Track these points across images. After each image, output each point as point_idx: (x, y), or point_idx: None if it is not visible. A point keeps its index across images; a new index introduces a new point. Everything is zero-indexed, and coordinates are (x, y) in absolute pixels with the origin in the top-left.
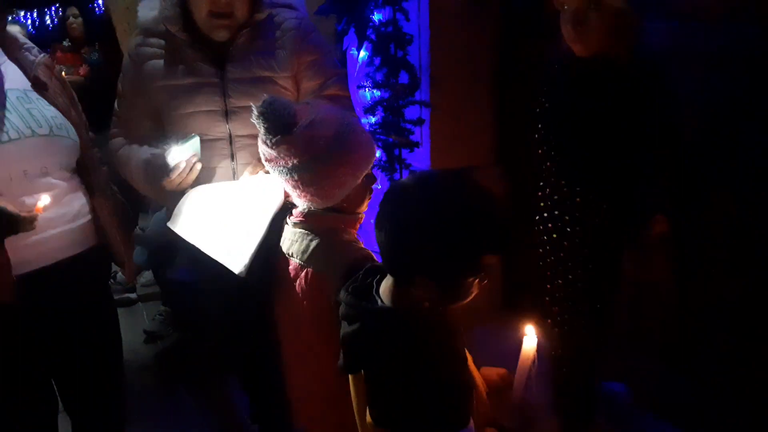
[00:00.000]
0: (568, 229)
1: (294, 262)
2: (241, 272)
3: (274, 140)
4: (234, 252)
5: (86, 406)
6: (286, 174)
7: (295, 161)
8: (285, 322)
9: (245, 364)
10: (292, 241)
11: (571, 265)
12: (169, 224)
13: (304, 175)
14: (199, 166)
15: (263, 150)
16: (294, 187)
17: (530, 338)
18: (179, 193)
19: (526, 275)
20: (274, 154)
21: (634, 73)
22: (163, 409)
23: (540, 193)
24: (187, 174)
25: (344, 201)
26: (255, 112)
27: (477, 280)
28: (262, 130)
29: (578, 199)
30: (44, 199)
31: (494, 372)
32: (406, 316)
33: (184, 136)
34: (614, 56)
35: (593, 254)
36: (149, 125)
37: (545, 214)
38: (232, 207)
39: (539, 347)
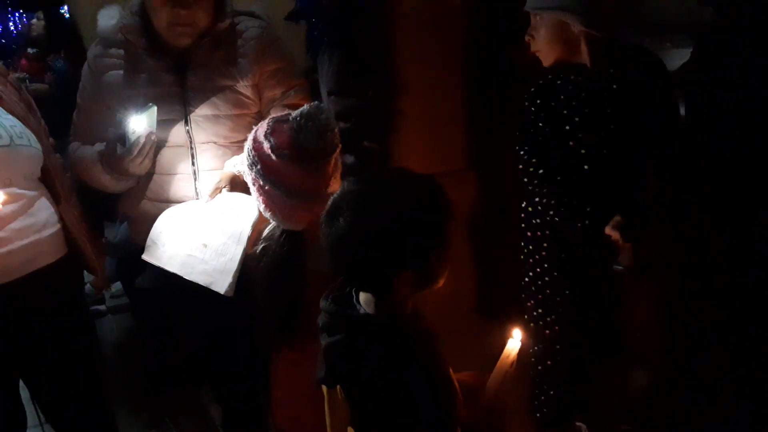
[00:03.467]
0: (552, 232)
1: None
2: (227, 292)
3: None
4: (216, 273)
5: (72, 418)
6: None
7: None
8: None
9: (217, 374)
10: (313, 253)
11: (553, 264)
12: (144, 257)
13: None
14: (154, 137)
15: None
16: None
17: (515, 341)
18: (136, 196)
19: (500, 280)
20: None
21: (608, 81)
22: (135, 421)
23: (525, 201)
24: (148, 149)
25: None
26: (328, 119)
27: (443, 254)
28: (325, 146)
29: (563, 204)
30: None
31: (465, 375)
32: (392, 323)
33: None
34: (580, 65)
35: (577, 255)
36: (106, 137)
37: (534, 221)
38: (205, 228)
39: (520, 351)
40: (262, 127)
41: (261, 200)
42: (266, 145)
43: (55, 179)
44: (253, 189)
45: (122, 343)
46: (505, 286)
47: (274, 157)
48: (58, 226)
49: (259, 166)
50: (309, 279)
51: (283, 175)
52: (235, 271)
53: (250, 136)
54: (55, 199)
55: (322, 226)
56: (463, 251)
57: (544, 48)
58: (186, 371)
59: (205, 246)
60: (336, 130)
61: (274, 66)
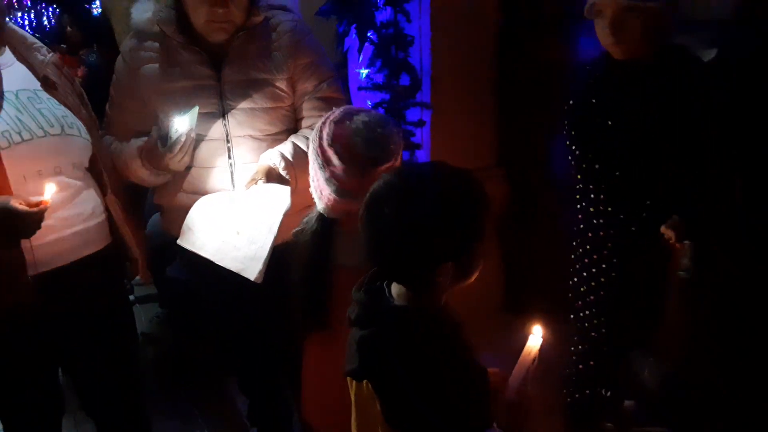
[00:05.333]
0: (612, 232)
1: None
2: (256, 279)
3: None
4: (247, 260)
5: (108, 405)
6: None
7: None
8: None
9: (243, 366)
10: (343, 247)
11: (609, 267)
12: (179, 242)
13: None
14: (194, 135)
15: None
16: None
17: (536, 337)
18: (173, 189)
19: (528, 278)
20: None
21: (664, 70)
22: (160, 411)
23: (578, 196)
24: (188, 147)
25: None
26: (388, 135)
27: (482, 245)
28: (380, 154)
29: (612, 201)
30: (50, 188)
31: (488, 372)
32: (427, 315)
33: (183, 111)
34: (645, 56)
35: (634, 259)
36: (140, 130)
37: (594, 221)
38: (239, 216)
39: (542, 349)
40: (334, 112)
41: (312, 173)
42: (325, 131)
43: (102, 170)
44: (310, 160)
45: (149, 333)
46: (530, 283)
47: (326, 144)
48: (104, 216)
49: (316, 144)
50: (338, 267)
51: (329, 162)
52: (265, 259)
53: (325, 115)
54: (102, 190)
55: (362, 219)
56: (491, 248)
57: (632, 40)
58: (213, 362)
59: (239, 233)
60: (392, 145)
61: (307, 59)
